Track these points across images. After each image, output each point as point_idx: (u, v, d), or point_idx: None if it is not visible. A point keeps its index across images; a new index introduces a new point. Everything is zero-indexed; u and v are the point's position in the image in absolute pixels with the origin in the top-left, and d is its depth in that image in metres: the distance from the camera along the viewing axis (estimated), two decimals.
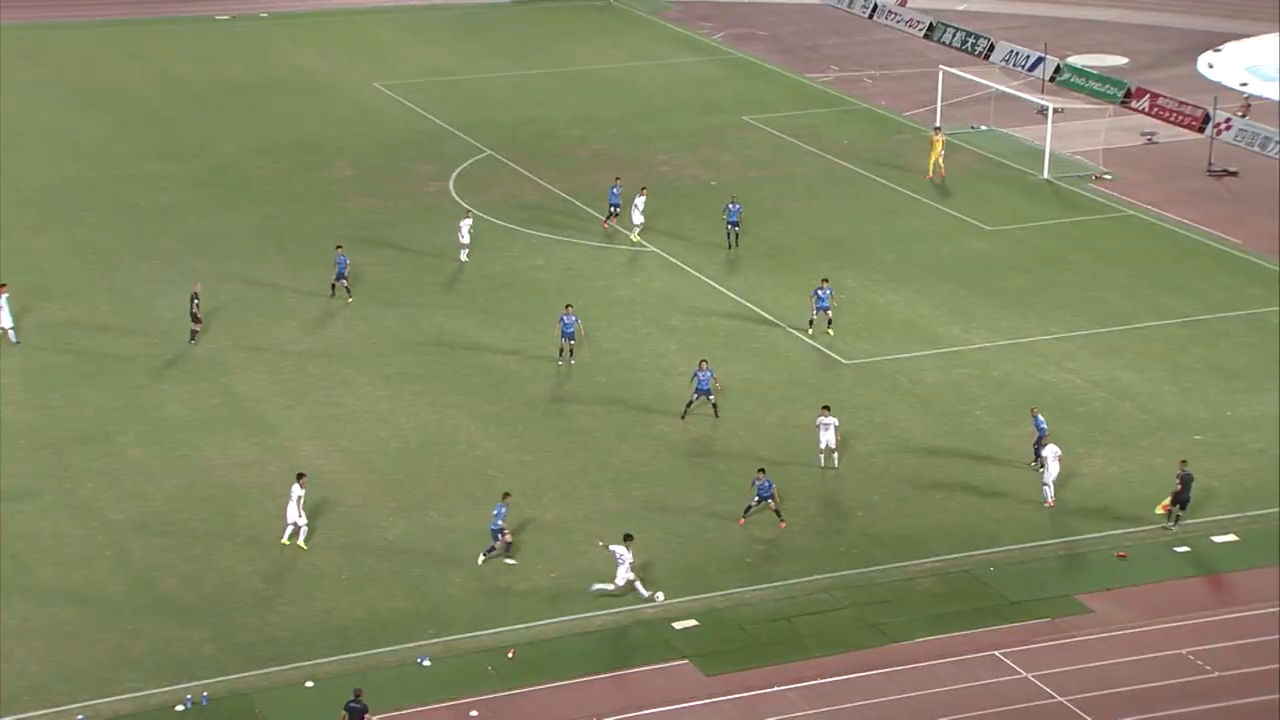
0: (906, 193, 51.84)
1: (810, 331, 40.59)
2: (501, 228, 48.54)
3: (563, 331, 39.16)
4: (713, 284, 44.58)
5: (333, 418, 36.66)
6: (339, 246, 43.87)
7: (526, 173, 53.65)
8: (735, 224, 46.54)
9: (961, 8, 78.05)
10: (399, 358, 39.85)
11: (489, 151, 55.98)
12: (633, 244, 46.38)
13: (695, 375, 36.52)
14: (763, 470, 32.38)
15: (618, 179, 49.41)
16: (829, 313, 40.84)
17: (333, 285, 42.83)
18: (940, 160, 52.98)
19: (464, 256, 45.45)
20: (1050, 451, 33.40)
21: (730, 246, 46.32)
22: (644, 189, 47.99)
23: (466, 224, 45.75)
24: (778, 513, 32.35)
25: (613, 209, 47.86)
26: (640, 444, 35.90)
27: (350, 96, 62.64)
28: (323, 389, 38.18)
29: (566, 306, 39.59)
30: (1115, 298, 43.70)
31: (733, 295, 43.84)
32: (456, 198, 51.22)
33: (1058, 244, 47.88)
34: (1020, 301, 43.53)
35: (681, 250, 46.87)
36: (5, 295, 39.77)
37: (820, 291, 40.73)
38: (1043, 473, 33.43)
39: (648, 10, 77.79)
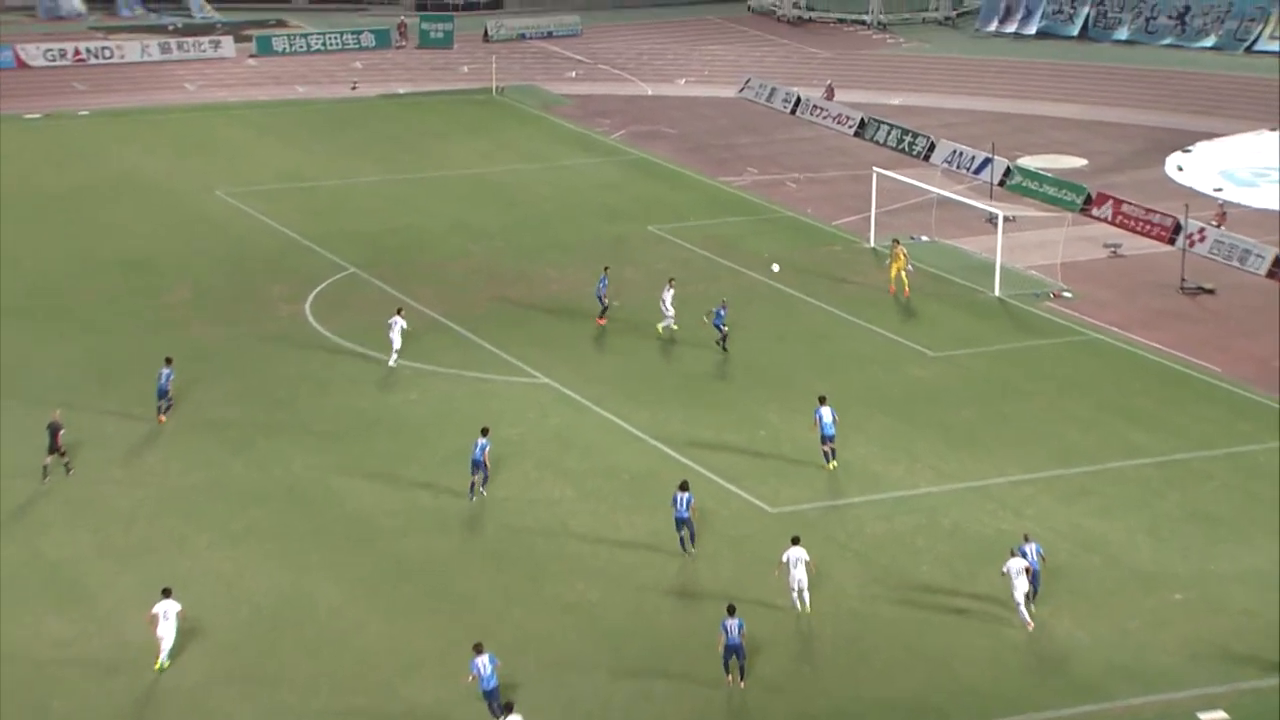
0: (839, 313, 52.99)
1: (832, 466, 42.03)
2: (367, 357, 48.83)
3: (472, 461, 39.77)
4: (616, 420, 45.09)
5: (168, 581, 36.37)
6: (169, 359, 44.49)
7: (396, 292, 54.11)
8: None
9: (896, 102, 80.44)
10: (247, 511, 39.75)
11: (352, 268, 56.43)
12: (660, 334, 49.98)
13: (675, 500, 37.56)
14: (732, 609, 32.98)
15: (606, 269, 51.68)
16: (832, 442, 41.79)
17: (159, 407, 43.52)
18: (905, 275, 54.13)
19: (392, 361, 47.28)
20: (1014, 566, 34.61)
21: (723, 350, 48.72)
22: (672, 280, 50.45)
23: (398, 323, 47.37)
24: (741, 667, 32.81)
25: (603, 303, 50.53)
26: (533, 607, 36.05)
27: (188, 206, 62.94)
28: (155, 549, 37.93)
29: (483, 430, 40.51)
30: (1079, 434, 44.78)
31: (639, 433, 44.35)
32: (314, 322, 51.48)
33: (1012, 372, 49.07)
34: (970, 438, 44.45)
35: (579, 381, 47.41)
36: None
37: (821, 413, 41.82)
38: (1013, 591, 34.87)
39: (536, 105, 79.25)
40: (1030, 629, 34.95)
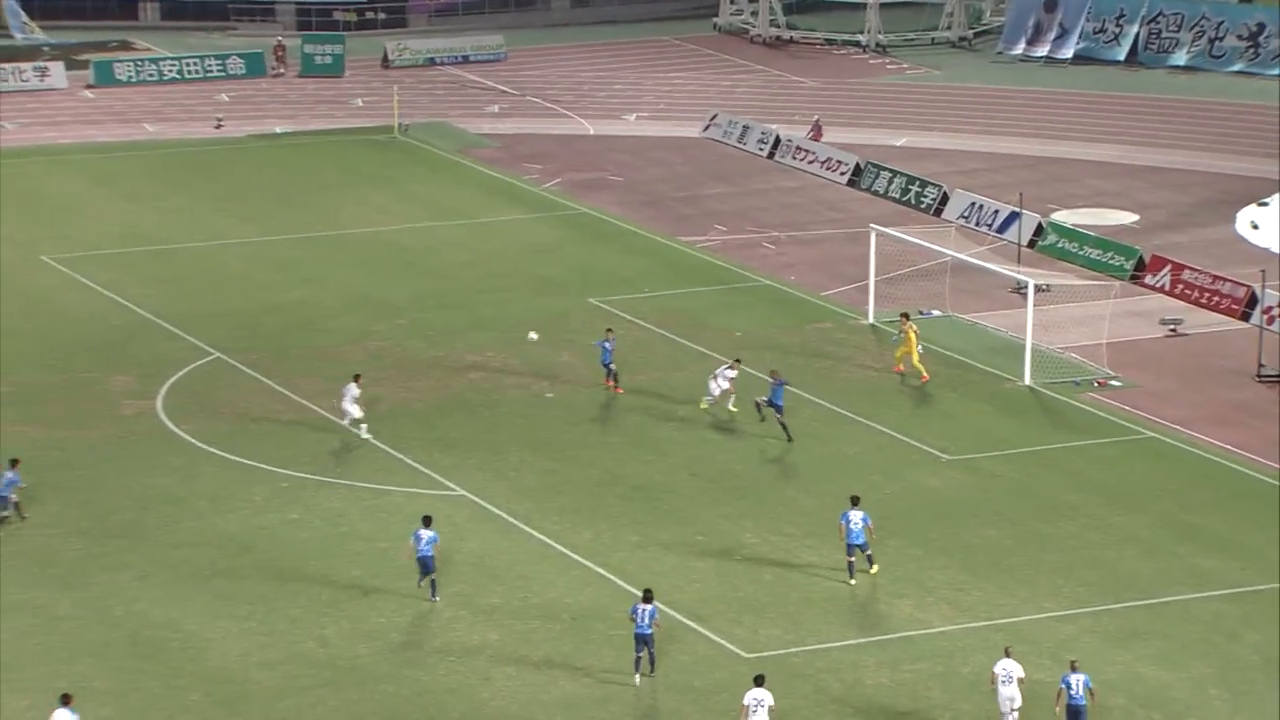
0: (830, 407, 53.11)
1: (853, 581, 43.15)
2: (238, 465, 48.63)
3: (420, 559, 41.74)
4: (550, 543, 44.96)
5: None
6: (14, 461, 45.12)
7: (273, 384, 53.99)
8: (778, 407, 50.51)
9: (900, 143, 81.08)
10: (78, 665, 39.38)
11: (216, 354, 56.34)
12: (703, 410, 51.72)
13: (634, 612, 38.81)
14: None
15: (610, 331, 54.07)
16: (866, 550, 42.93)
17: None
18: (918, 356, 54.68)
19: (364, 433, 50.02)
20: (1008, 669, 36.54)
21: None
22: (738, 360, 52.43)
23: (352, 391, 50.01)
24: None
25: (609, 370, 52.75)
26: None
27: (4, 276, 62.74)
28: None
29: (425, 520, 42.06)
30: (1133, 558, 44.90)
31: (580, 559, 44.22)
32: (167, 422, 51.28)
33: (1047, 480, 49.16)
34: (996, 563, 44.46)
35: (504, 494, 47.30)
36: None
37: (850, 517, 42.95)
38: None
39: (450, 148, 79.58)
40: None
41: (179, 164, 76.72)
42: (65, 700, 35.61)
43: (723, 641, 40.73)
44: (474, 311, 60.28)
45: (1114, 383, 55.31)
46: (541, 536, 45.21)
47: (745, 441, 50.94)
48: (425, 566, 41.97)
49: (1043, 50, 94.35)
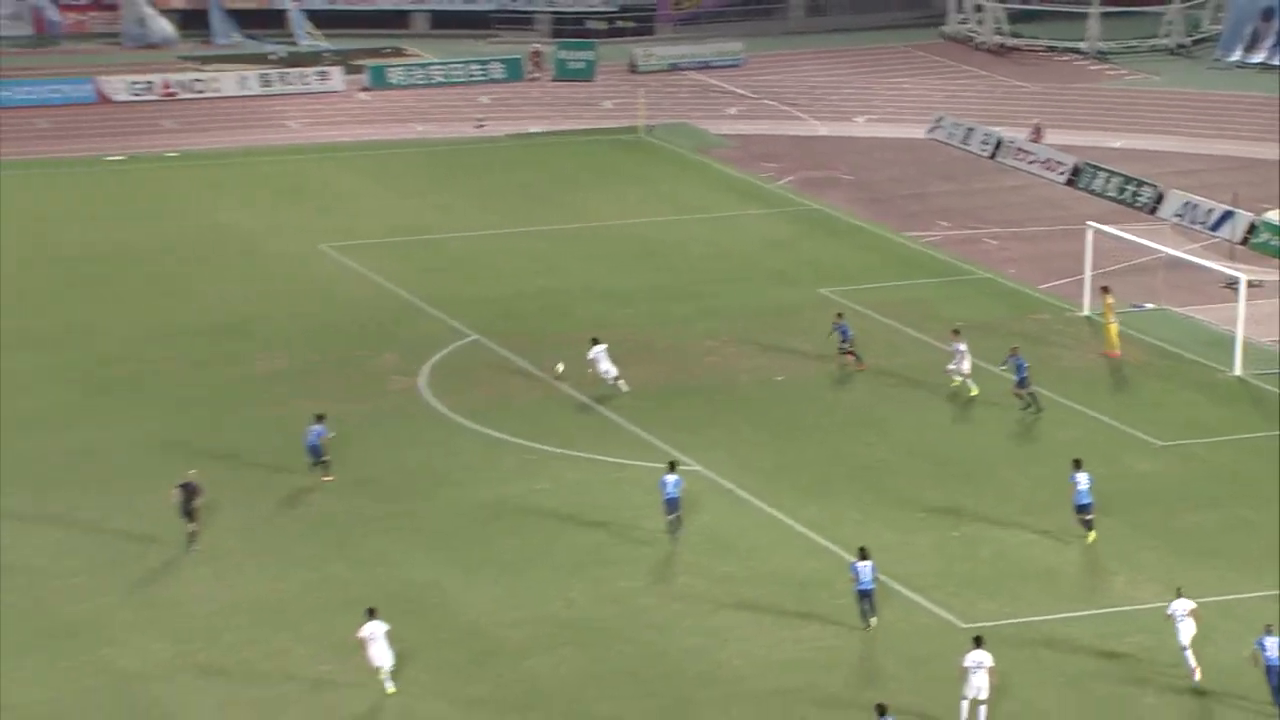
0: (1048, 394, 52.52)
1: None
2: (491, 438, 49.28)
3: (664, 495, 42.67)
4: (781, 517, 45.01)
5: (260, 704, 36.81)
6: (320, 416, 46.80)
7: (526, 364, 54.60)
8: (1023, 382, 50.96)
9: (1117, 145, 79.81)
10: (347, 618, 40.16)
11: (474, 335, 57.08)
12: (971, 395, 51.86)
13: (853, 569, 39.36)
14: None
15: (839, 315, 54.94)
16: (1089, 512, 43.68)
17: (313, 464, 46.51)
18: (1115, 331, 54.82)
19: (624, 385, 51.99)
20: (1179, 607, 36.70)
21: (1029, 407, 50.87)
22: (956, 331, 52.96)
23: (600, 352, 51.91)
24: None
25: (847, 349, 53.61)
26: None
27: (287, 262, 64.08)
28: (246, 663, 38.43)
29: (670, 465, 43.69)
30: None
31: (807, 532, 44.22)
32: (429, 397, 52.09)
33: (1257, 467, 48.23)
34: (1205, 546, 43.73)
35: (736, 470, 47.40)
36: None
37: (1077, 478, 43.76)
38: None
39: (691, 148, 79.76)
40: (1197, 678, 36.59)
41: (443, 161, 77.77)
42: (371, 613, 37.44)
43: (941, 612, 40.52)
44: (710, 301, 60.41)
45: None
46: (771, 510, 45.28)
47: (965, 425, 50.60)
48: (672, 507, 42.93)
49: (1259, 56, 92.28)
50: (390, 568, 42.52)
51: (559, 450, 48.62)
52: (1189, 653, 37.25)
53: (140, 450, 48.41)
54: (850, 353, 54.01)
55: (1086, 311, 58.68)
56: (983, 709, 35.63)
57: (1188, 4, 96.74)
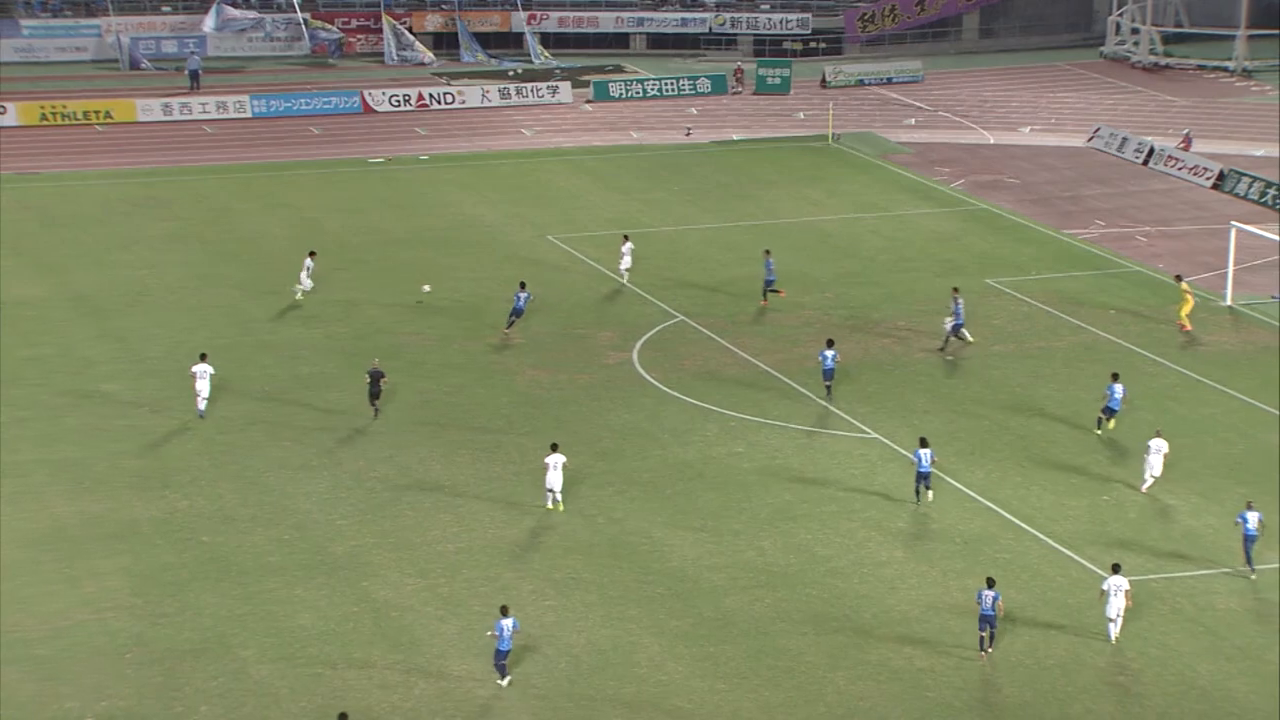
0: (1189, 374, 51.47)
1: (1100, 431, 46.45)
2: (695, 407, 49.43)
3: (917, 470, 43.07)
4: (948, 479, 44.64)
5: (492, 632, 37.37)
6: (523, 284, 54.28)
7: (725, 342, 54.67)
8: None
9: (1260, 153, 77.76)
10: (569, 560, 40.61)
11: (680, 317, 57.23)
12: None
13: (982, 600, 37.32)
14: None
15: (766, 251, 57.53)
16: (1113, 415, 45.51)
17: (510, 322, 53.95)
18: (1187, 311, 54.48)
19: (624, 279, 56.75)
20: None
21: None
22: (955, 289, 54.02)
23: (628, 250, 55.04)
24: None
25: (954, 324, 53.48)
26: (858, 672, 35.89)
27: (521, 250, 64.73)
28: (480, 596, 39.01)
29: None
30: None
31: (972, 494, 43.82)
32: (641, 370, 52.38)
33: None
34: None
35: (910, 438, 47.04)
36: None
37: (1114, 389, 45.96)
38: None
39: (873, 154, 79.18)
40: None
41: (657, 164, 77.99)
42: (554, 448, 42.26)
43: (1092, 567, 39.93)
44: (887, 288, 59.99)
45: None
46: (939, 474, 44.92)
47: (1114, 424, 49.67)
48: (922, 479, 43.02)
49: None
50: (606, 515, 42.86)
51: (755, 419, 48.66)
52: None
53: (397, 413, 49.12)
54: (958, 333, 53.47)
55: (1229, 302, 57.33)
56: (1117, 625, 36.20)
57: None
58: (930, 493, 43.10)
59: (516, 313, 54.51)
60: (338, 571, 40.08)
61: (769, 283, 57.36)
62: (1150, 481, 43.57)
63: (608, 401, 49.96)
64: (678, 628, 37.70)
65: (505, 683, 35.15)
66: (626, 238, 60.41)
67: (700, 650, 36.81)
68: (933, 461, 42.84)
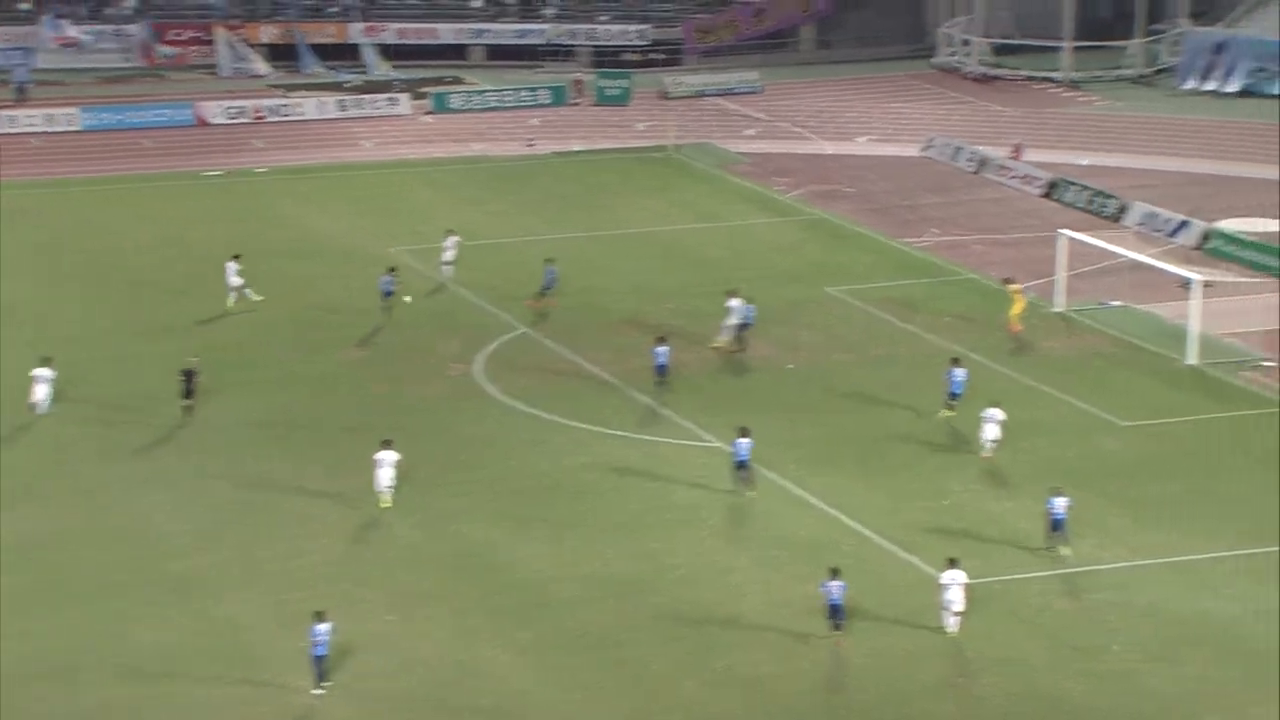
0: (1024, 380, 52.36)
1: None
2: (539, 418, 49.29)
3: (736, 463, 43.59)
4: (790, 486, 44.95)
5: (334, 648, 36.89)
6: (391, 269, 53.09)
7: (568, 353, 54.59)
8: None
9: (1086, 162, 79.47)
10: (416, 573, 40.27)
11: (523, 329, 57.06)
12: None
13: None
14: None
15: (548, 260, 58.11)
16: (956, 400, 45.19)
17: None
18: (1018, 313, 55.39)
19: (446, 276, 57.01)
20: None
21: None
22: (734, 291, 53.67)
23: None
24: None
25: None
26: (706, 679, 36.00)
27: (364, 263, 64.06)
28: (326, 610, 38.45)
29: (741, 431, 44.20)
30: None
31: (814, 500, 44.17)
32: (484, 382, 52.11)
33: (1209, 442, 48.06)
34: (1165, 513, 43.58)
35: (754, 447, 47.34)
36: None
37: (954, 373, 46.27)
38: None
39: (712, 164, 79.64)
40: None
41: (498, 175, 77.75)
42: (386, 444, 42.35)
43: (932, 570, 40.38)
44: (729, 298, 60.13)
45: (1268, 363, 53.76)
46: (782, 481, 45.23)
47: (958, 408, 50.38)
48: (742, 468, 43.83)
49: (1212, 85, 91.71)
50: (451, 527, 42.58)
51: (599, 429, 48.63)
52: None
53: (243, 425, 48.34)
54: (738, 339, 54.02)
55: (1060, 308, 58.47)
56: (955, 619, 36.66)
57: (1149, 39, 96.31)
58: (752, 492, 43.57)
59: (387, 295, 56.38)
60: (182, 590, 39.33)
61: (546, 288, 58.07)
62: (990, 448, 45.50)
63: (450, 414, 49.66)
64: (527, 639, 37.54)
65: (320, 691, 34.85)
66: (451, 232, 60.74)
67: (550, 662, 36.68)
68: (749, 452, 43.69)
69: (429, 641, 37.35)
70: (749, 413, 49.73)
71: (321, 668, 34.98)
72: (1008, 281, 57.00)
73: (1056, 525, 41.17)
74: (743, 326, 54.34)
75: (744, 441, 43.69)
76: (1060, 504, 41.17)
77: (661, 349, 51.07)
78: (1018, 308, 55.89)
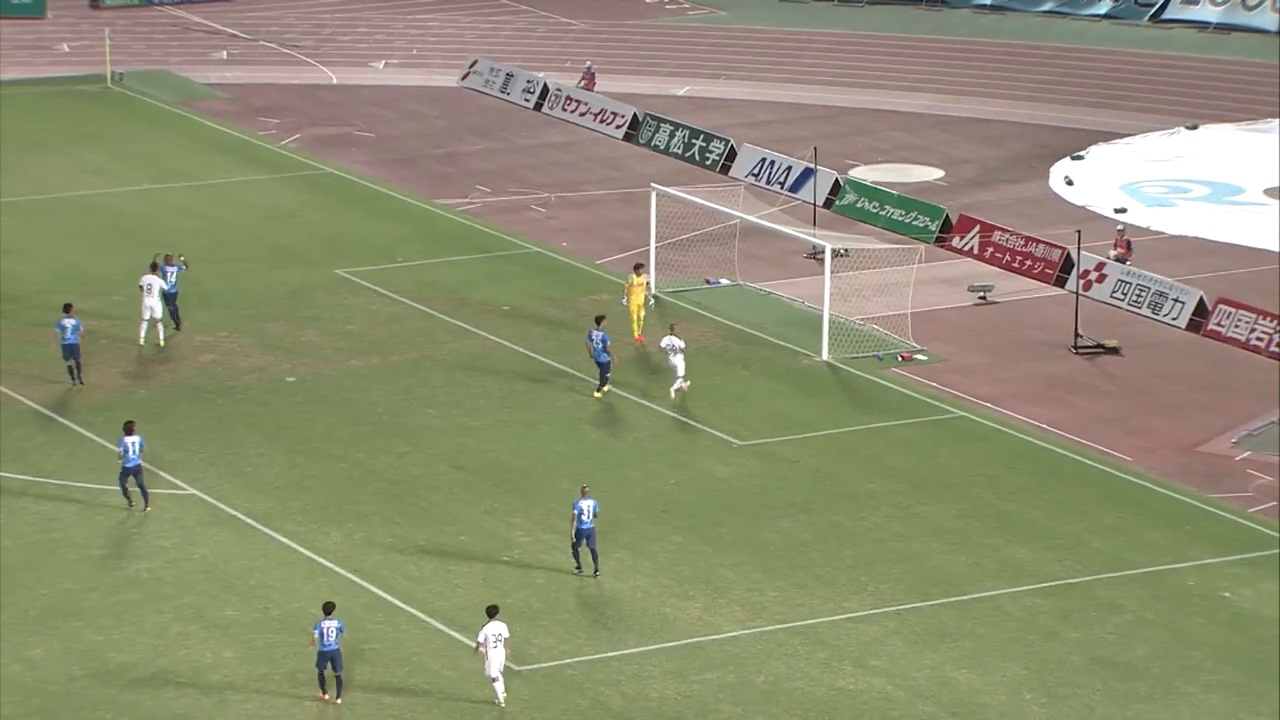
0: (611, 389, 53.23)
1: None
2: None
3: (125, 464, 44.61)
4: (293, 545, 44.70)
5: None
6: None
7: None
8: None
9: (682, 92, 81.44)
10: None
11: None
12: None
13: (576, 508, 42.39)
14: None
15: (599, 319, 53.18)
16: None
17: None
18: (641, 314, 55.86)
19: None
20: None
21: None
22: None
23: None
24: None
25: (602, 366, 52.15)
26: None
27: None
28: None
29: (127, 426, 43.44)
30: (941, 551, 45.48)
31: (327, 563, 43.99)
32: None
33: (847, 466, 49.68)
34: (793, 560, 44.83)
35: (241, 491, 46.98)
36: None
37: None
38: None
39: (173, 100, 78.74)
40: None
41: None
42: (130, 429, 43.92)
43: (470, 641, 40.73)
44: (203, 286, 59.61)
45: (919, 357, 56.04)
46: (283, 539, 44.95)
47: (512, 430, 50.91)
48: (133, 473, 45.58)
49: None
50: None
51: (18, 476, 47.45)
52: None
53: None
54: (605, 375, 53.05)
55: (653, 290, 59.67)
56: (501, 683, 38.12)
57: None
58: (149, 506, 45.24)
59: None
60: None
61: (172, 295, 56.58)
62: (680, 383, 51.59)
63: None
64: None
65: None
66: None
67: None
68: (141, 450, 45.25)
69: None
70: (235, 445, 49.27)
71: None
72: (638, 269, 56.77)
73: (581, 536, 42.72)
74: (169, 297, 54.89)
75: (131, 440, 45.31)
76: (587, 508, 42.61)
77: (69, 334, 52.14)
78: (638, 298, 56.09)
